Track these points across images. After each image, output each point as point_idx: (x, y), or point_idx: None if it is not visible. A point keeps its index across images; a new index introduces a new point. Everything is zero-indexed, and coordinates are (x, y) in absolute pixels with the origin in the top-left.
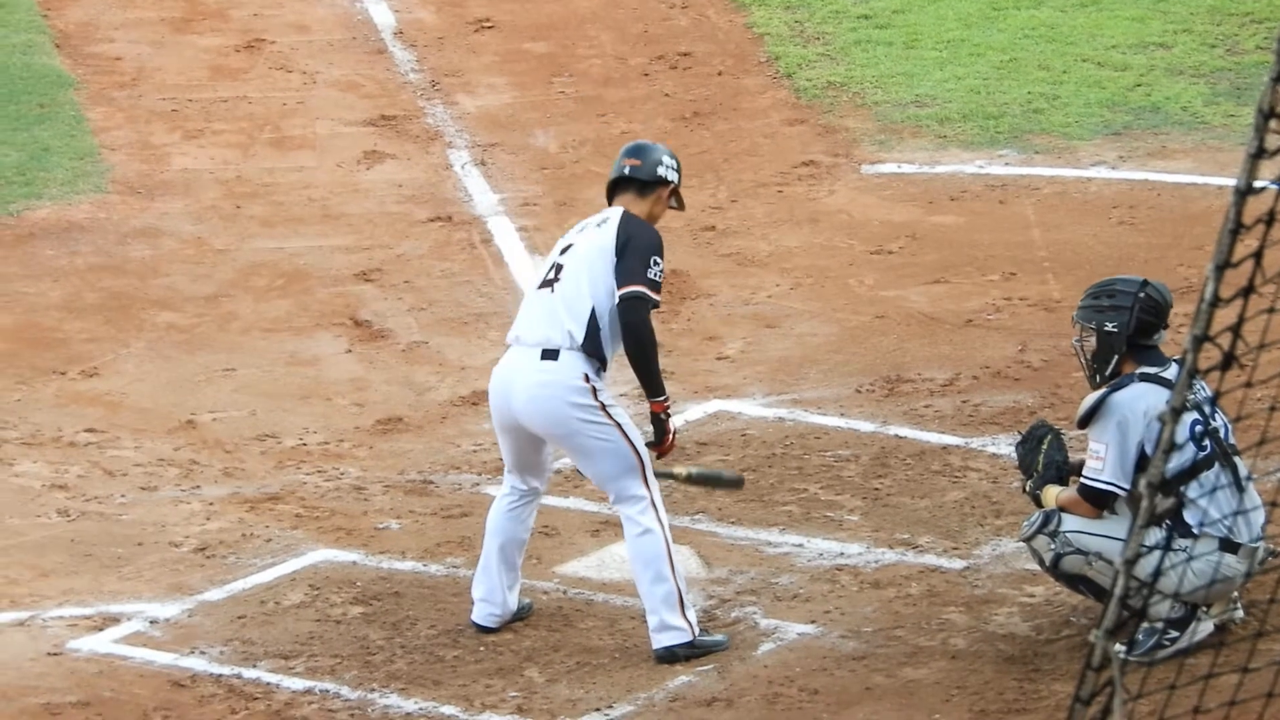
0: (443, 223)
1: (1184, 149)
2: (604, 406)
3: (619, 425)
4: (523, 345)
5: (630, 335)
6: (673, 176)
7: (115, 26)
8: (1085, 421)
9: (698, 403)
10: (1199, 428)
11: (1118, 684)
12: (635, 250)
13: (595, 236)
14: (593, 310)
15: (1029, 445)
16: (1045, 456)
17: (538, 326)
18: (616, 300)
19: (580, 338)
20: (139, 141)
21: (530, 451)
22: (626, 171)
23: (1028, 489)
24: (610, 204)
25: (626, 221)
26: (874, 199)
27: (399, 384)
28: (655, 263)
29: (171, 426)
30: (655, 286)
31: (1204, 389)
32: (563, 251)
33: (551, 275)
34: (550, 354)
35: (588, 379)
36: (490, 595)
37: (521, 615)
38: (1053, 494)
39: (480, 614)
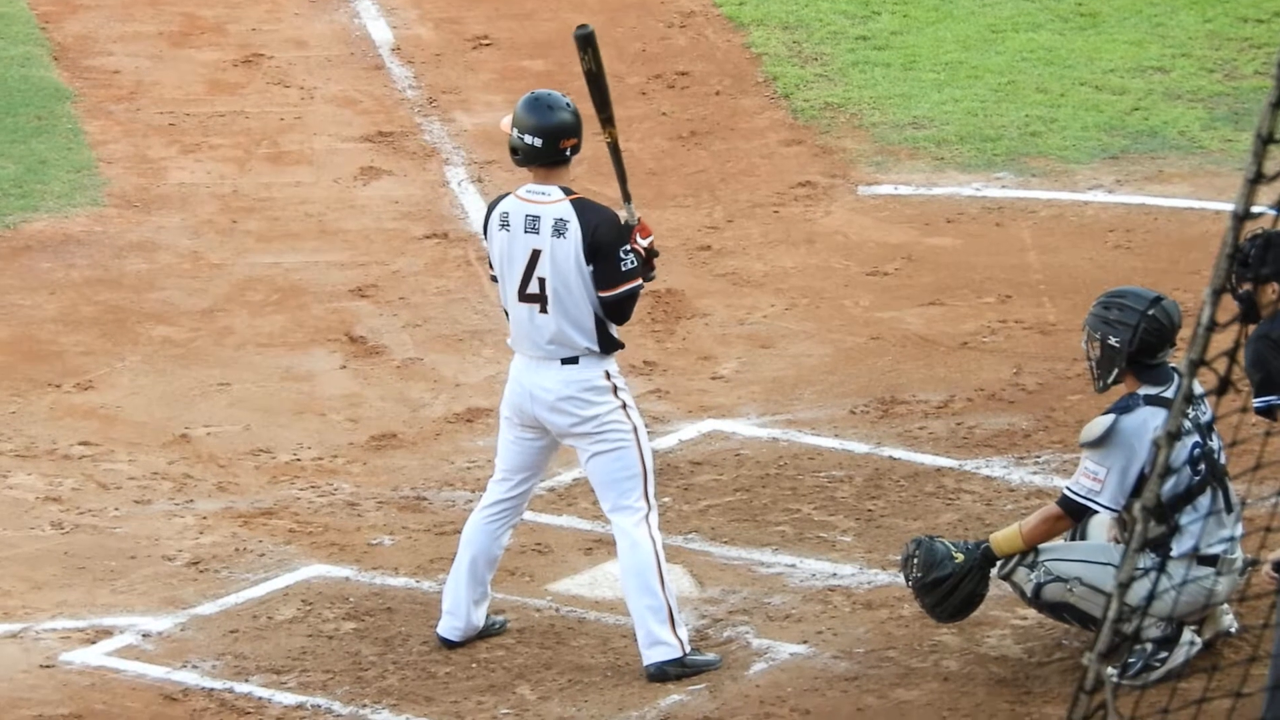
0: (439, 239)
1: (1181, 173)
2: (625, 406)
3: (635, 429)
4: (538, 358)
5: (620, 321)
6: (578, 142)
7: (113, 40)
8: (1091, 442)
9: (692, 422)
10: (1197, 450)
11: (1110, 707)
12: (605, 254)
13: (564, 247)
14: (596, 316)
15: (944, 581)
16: (941, 553)
17: (547, 344)
18: (603, 301)
19: (596, 345)
20: (136, 155)
21: (536, 452)
22: (538, 145)
23: (991, 564)
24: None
25: (584, 219)
26: (870, 220)
27: (393, 400)
28: (625, 254)
29: (166, 440)
30: (633, 275)
31: (1206, 410)
32: (533, 258)
33: (535, 289)
34: (570, 360)
35: (609, 376)
36: (455, 609)
37: (491, 632)
38: (1012, 532)
39: (444, 627)
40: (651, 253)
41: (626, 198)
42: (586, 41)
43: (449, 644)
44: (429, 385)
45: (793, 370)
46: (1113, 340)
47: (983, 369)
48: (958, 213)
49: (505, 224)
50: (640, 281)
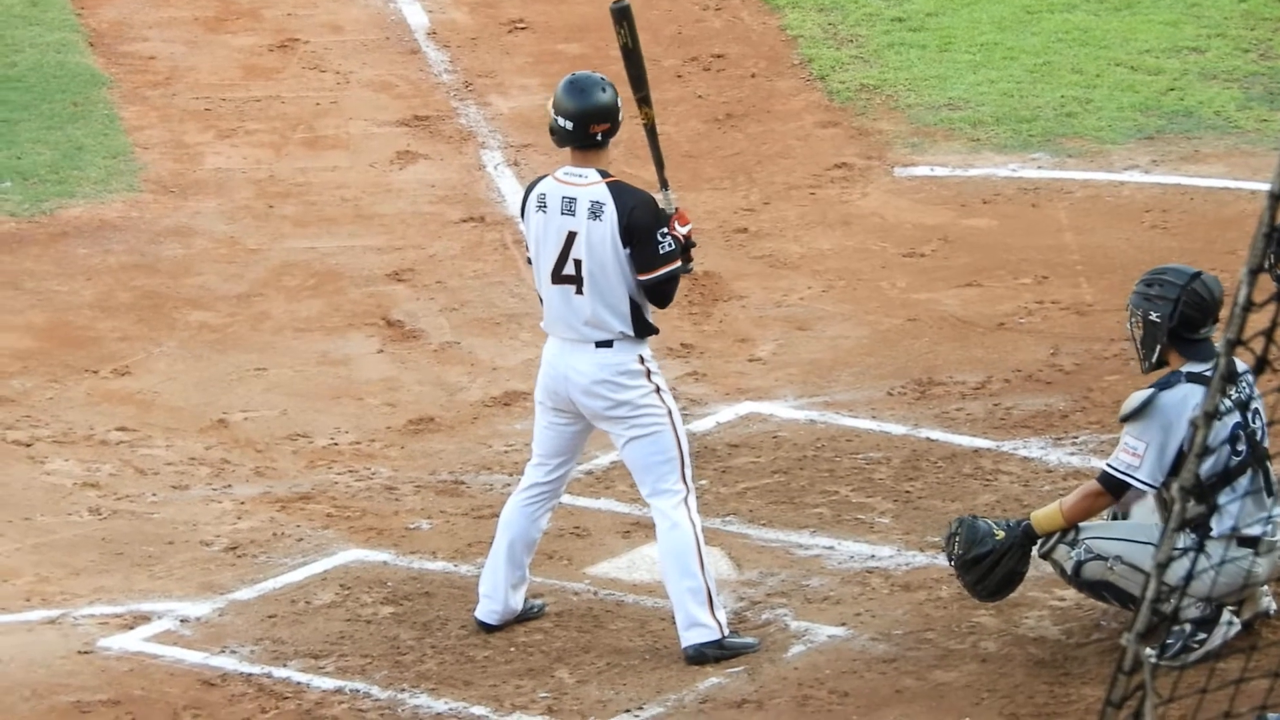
0: (475, 223)
1: (1217, 153)
2: (658, 390)
3: (670, 412)
4: (572, 340)
5: (662, 304)
6: (612, 127)
7: (149, 26)
8: (1130, 416)
9: (729, 404)
10: (1238, 430)
11: (1149, 688)
12: (642, 238)
13: (600, 230)
14: (631, 300)
15: (984, 556)
16: (984, 533)
17: (582, 326)
18: (640, 282)
19: (630, 329)
20: (172, 140)
21: (571, 436)
22: (570, 128)
23: (1033, 543)
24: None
25: (620, 202)
26: (907, 202)
27: (431, 384)
28: (662, 236)
29: (203, 425)
30: (672, 257)
31: (1248, 389)
32: (568, 240)
33: (571, 271)
34: (604, 344)
35: (643, 360)
36: (493, 592)
37: (529, 616)
38: (1053, 509)
39: (482, 610)
40: (689, 242)
41: (664, 184)
42: (622, 15)
43: (487, 628)
44: (466, 369)
45: (830, 352)
46: (1154, 315)
47: (1020, 350)
48: (994, 194)
49: (542, 206)
50: (680, 264)
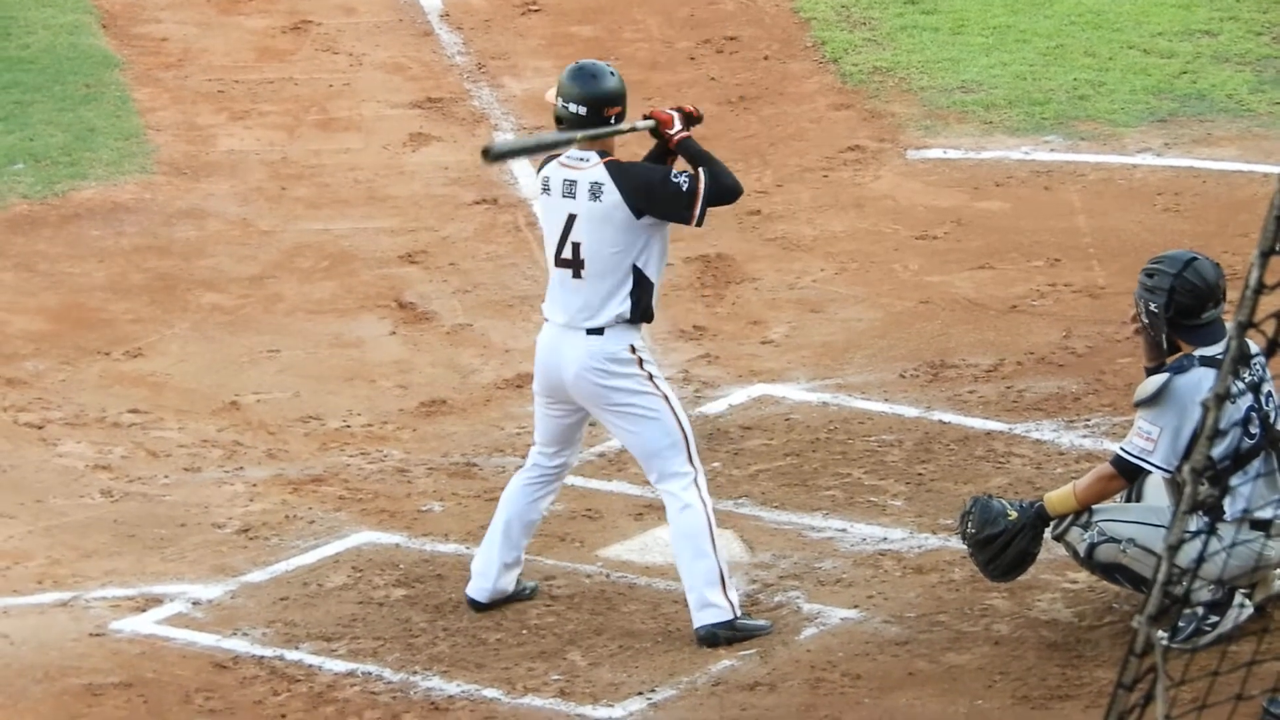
0: (488, 205)
1: (1229, 136)
2: (651, 377)
3: (665, 397)
4: (565, 325)
5: (730, 199)
6: (623, 110)
7: (161, 7)
8: (1145, 401)
9: (742, 387)
10: (1252, 412)
11: (1160, 670)
12: (656, 194)
13: (600, 210)
14: (635, 276)
15: (997, 538)
16: (999, 515)
17: (578, 311)
18: (697, 224)
19: (626, 314)
20: (185, 122)
21: (568, 424)
22: (583, 113)
23: (1046, 525)
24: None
25: (619, 180)
26: (919, 184)
27: (443, 366)
28: (673, 179)
29: (215, 408)
30: (695, 188)
31: (1262, 370)
32: (568, 222)
33: (569, 255)
34: (596, 331)
35: (634, 349)
36: (485, 570)
37: (520, 596)
38: (1066, 492)
39: (473, 588)
40: (690, 118)
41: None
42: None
43: (476, 606)
44: (479, 351)
45: (842, 334)
46: (1152, 306)
47: (1032, 332)
48: (1006, 176)
49: (546, 188)
50: (703, 183)
